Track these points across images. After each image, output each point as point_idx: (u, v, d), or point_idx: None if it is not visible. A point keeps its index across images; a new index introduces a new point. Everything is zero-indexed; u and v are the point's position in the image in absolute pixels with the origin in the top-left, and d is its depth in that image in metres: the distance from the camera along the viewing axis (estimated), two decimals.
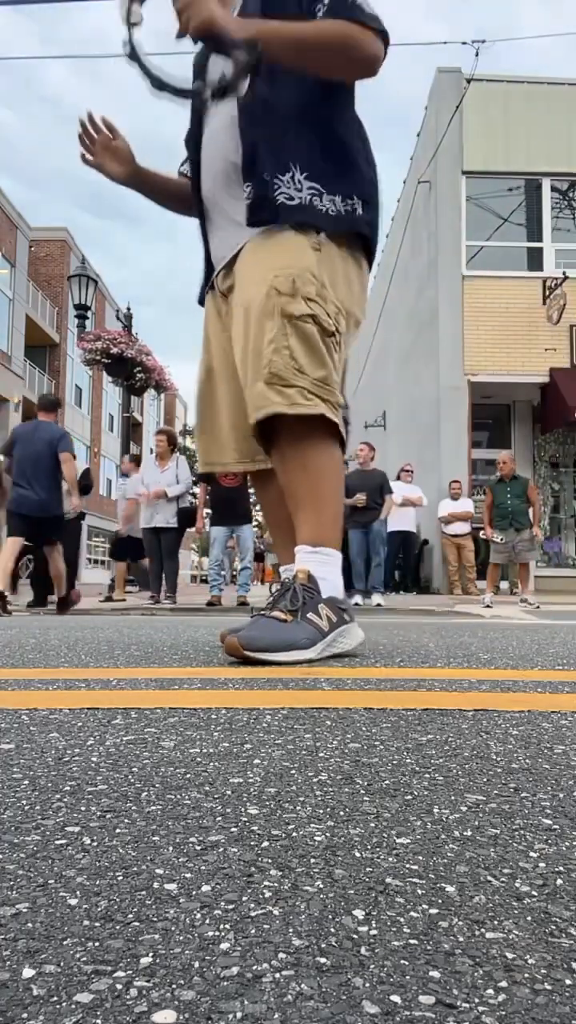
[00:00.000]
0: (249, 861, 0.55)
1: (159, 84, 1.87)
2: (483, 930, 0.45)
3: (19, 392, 24.72)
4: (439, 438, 11.32)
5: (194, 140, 2.20)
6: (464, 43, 10.17)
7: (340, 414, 1.97)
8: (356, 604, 7.46)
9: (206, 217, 2.21)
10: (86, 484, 7.68)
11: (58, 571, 6.06)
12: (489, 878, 0.52)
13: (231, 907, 0.47)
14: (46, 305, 29.07)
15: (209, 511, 7.88)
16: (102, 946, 0.42)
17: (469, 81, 10.87)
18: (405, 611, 6.57)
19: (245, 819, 0.64)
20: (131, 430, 10.77)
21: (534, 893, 0.50)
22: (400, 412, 14.99)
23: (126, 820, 0.64)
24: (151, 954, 0.41)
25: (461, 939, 0.43)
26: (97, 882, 0.51)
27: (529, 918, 0.46)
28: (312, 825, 0.63)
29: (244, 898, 0.48)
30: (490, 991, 0.38)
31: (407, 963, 0.40)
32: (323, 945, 0.42)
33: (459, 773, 0.80)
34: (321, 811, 0.66)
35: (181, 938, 0.43)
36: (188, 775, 0.78)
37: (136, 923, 0.45)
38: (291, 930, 0.44)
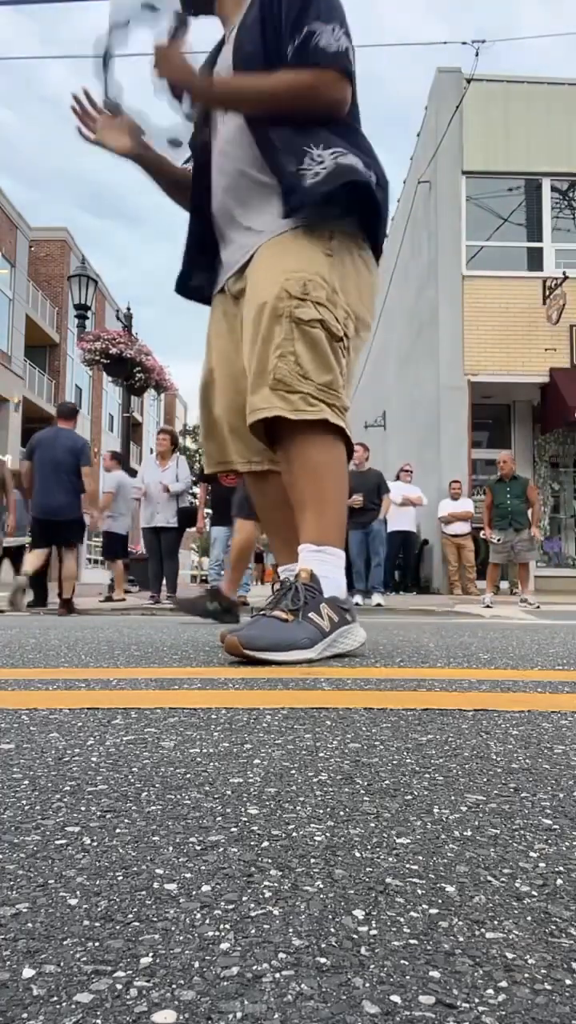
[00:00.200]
0: (249, 861, 0.55)
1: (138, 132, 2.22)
2: (483, 930, 0.45)
3: (19, 392, 24.71)
4: (439, 438, 11.32)
5: (201, 148, 2.25)
6: (464, 43, 10.17)
7: (346, 417, 1.99)
8: (356, 604, 7.46)
9: (215, 226, 2.24)
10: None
11: (70, 573, 6.17)
12: (489, 878, 0.52)
13: (231, 907, 0.47)
14: (46, 305, 29.06)
15: (210, 511, 7.88)
16: (102, 946, 0.42)
17: (469, 81, 10.87)
18: (405, 611, 6.57)
19: (245, 819, 0.64)
20: (131, 430, 10.76)
21: (534, 893, 0.50)
22: (400, 412, 14.99)
23: (126, 820, 0.64)
24: (151, 954, 0.41)
25: (461, 939, 0.43)
26: (97, 882, 0.51)
27: (529, 918, 0.46)
28: (312, 825, 0.63)
29: (244, 898, 0.48)
30: (490, 991, 0.38)
31: (407, 963, 0.40)
32: (323, 945, 0.42)
33: (459, 773, 0.80)
34: (321, 811, 0.66)
35: (181, 938, 0.43)
36: (188, 775, 0.78)
37: (136, 923, 0.45)
38: (291, 930, 0.44)
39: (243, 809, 0.67)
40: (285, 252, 1.98)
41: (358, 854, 0.56)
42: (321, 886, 0.50)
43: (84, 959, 0.41)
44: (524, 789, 0.74)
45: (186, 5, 2.17)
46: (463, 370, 11.32)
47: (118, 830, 0.61)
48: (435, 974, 0.39)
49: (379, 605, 7.30)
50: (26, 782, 0.75)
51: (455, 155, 11.51)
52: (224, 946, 0.42)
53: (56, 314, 29.78)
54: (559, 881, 0.52)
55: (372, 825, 0.63)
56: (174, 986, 0.38)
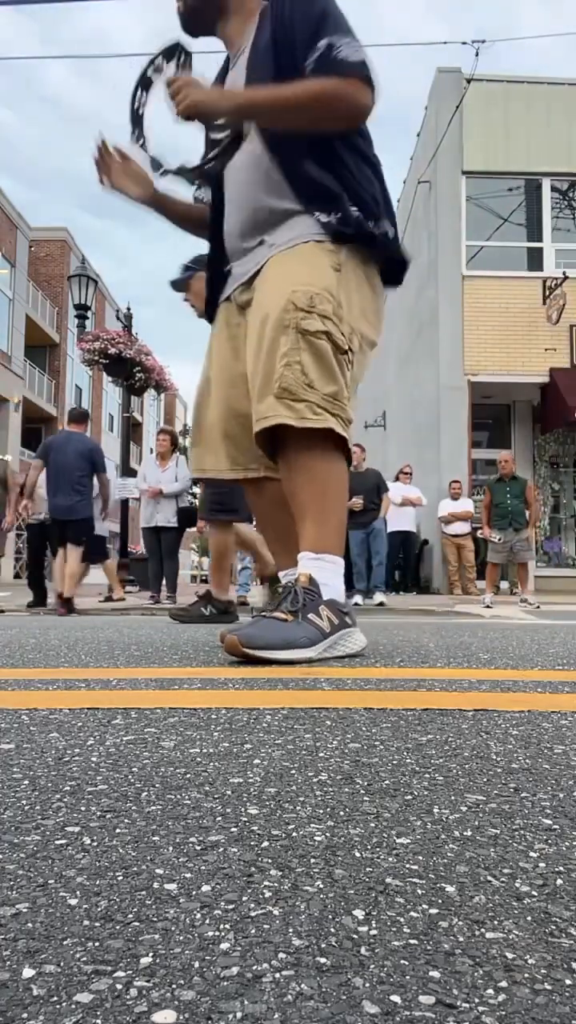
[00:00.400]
0: (249, 861, 0.55)
1: (158, 167, 2.21)
2: (483, 930, 0.45)
3: (19, 392, 24.71)
4: (439, 438, 11.33)
5: (214, 177, 2.28)
6: (464, 43, 10.17)
7: (350, 429, 2.01)
8: (356, 604, 7.46)
9: (226, 247, 2.26)
10: None
11: (73, 571, 6.31)
12: (489, 878, 0.52)
13: (231, 907, 0.47)
14: (46, 305, 29.06)
15: None
16: (102, 946, 0.42)
17: (469, 81, 10.87)
18: (405, 611, 6.57)
19: (245, 819, 0.64)
20: (131, 430, 10.76)
21: (534, 893, 0.50)
22: (400, 412, 14.99)
23: (126, 820, 0.64)
24: (151, 954, 0.41)
25: (461, 939, 0.43)
26: (97, 882, 0.51)
27: (529, 918, 0.46)
28: (312, 825, 0.63)
29: (244, 898, 0.48)
30: (490, 991, 0.38)
31: (407, 963, 0.40)
32: (323, 945, 0.42)
33: (459, 773, 0.80)
34: (321, 811, 0.66)
35: (181, 938, 0.43)
36: (188, 775, 0.78)
37: (136, 923, 0.45)
38: (291, 930, 0.44)
39: (243, 809, 0.67)
40: (294, 264, 2.00)
41: (358, 854, 0.56)
42: (321, 886, 0.50)
43: (84, 959, 0.41)
44: (524, 789, 0.74)
45: (187, 26, 2.19)
46: (463, 370, 11.32)
47: (118, 830, 0.61)
48: (435, 974, 0.39)
49: (382, 604, 7.28)
50: (26, 782, 0.76)
51: (455, 155, 11.50)
52: (224, 946, 0.42)
53: (56, 314, 29.78)
54: (559, 881, 0.52)
55: (372, 825, 0.63)
56: (174, 986, 0.38)
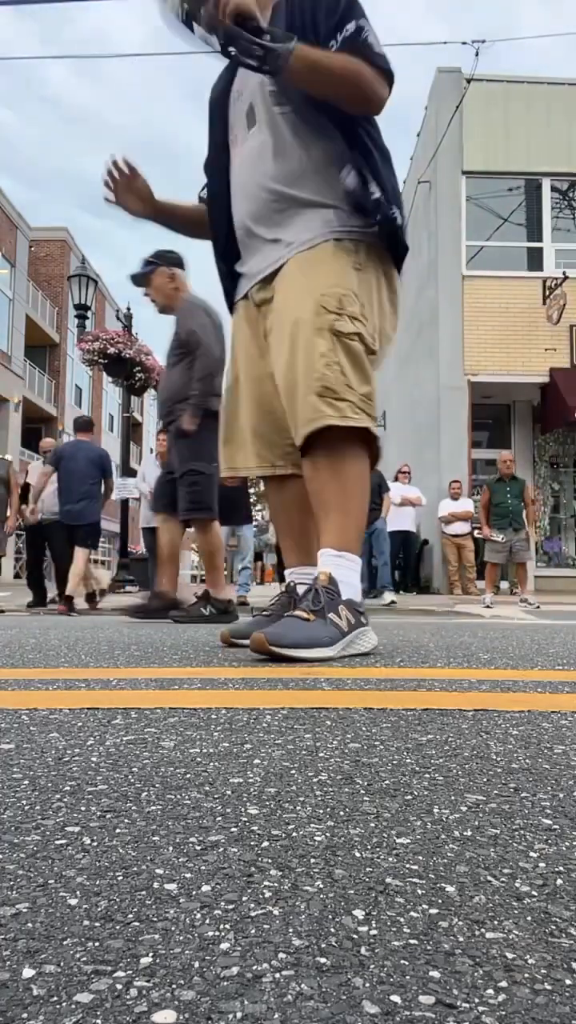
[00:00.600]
0: (249, 861, 0.55)
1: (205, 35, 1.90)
2: (483, 930, 0.45)
3: (19, 392, 24.72)
4: (439, 438, 11.32)
5: (218, 168, 2.28)
6: (464, 43, 10.17)
7: (375, 428, 2.05)
8: None
9: (237, 239, 2.27)
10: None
11: (77, 569, 6.51)
12: (489, 878, 0.52)
13: (231, 907, 0.47)
14: (46, 305, 29.07)
15: None
16: (102, 946, 0.42)
17: (469, 81, 10.86)
18: (405, 611, 6.57)
19: (245, 819, 0.64)
20: (131, 430, 10.76)
21: (534, 893, 0.50)
22: (400, 412, 14.99)
23: (126, 820, 0.64)
24: (151, 954, 0.41)
25: (461, 939, 0.43)
26: (97, 882, 0.51)
27: (529, 918, 0.46)
28: (312, 825, 0.63)
29: (244, 898, 0.48)
30: (490, 991, 0.38)
31: (407, 963, 0.40)
32: (323, 945, 0.42)
33: (459, 773, 0.80)
34: (321, 811, 0.66)
35: (181, 938, 0.43)
36: (188, 775, 0.78)
37: (136, 923, 0.45)
38: (291, 930, 0.44)
39: (243, 809, 0.67)
40: (318, 265, 2.02)
41: (358, 854, 0.56)
42: (321, 886, 0.50)
43: (84, 959, 0.41)
44: (524, 789, 0.74)
45: (195, 4, 2.13)
46: (463, 370, 11.32)
47: (118, 830, 0.61)
48: (435, 974, 0.39)
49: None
50: (26, 782, 0.76)
51: (455, 155, 11.50)
52: (224, 946, 0.42)
53: (56, 314, 29.78)
54: (559, 881, 0.52)
55: (372, 825, 0.63)
56: (174, 986, 0.38)
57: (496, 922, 0.46)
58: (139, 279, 4.19)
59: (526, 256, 11.80)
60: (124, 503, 9.34)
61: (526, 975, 0.40)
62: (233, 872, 0.53)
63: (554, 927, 0.45)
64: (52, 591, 7.75)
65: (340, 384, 1.93)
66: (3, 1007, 0.36)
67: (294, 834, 0.60)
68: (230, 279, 2.38)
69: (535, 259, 11.71)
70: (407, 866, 0.54)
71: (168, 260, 4.14)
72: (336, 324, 1.94)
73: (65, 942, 0.42)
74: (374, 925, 0.45)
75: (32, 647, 2.23)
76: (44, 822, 0.63)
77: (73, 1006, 0.36)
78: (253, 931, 0.44)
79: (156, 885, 0.50)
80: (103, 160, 2.38)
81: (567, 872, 0.54)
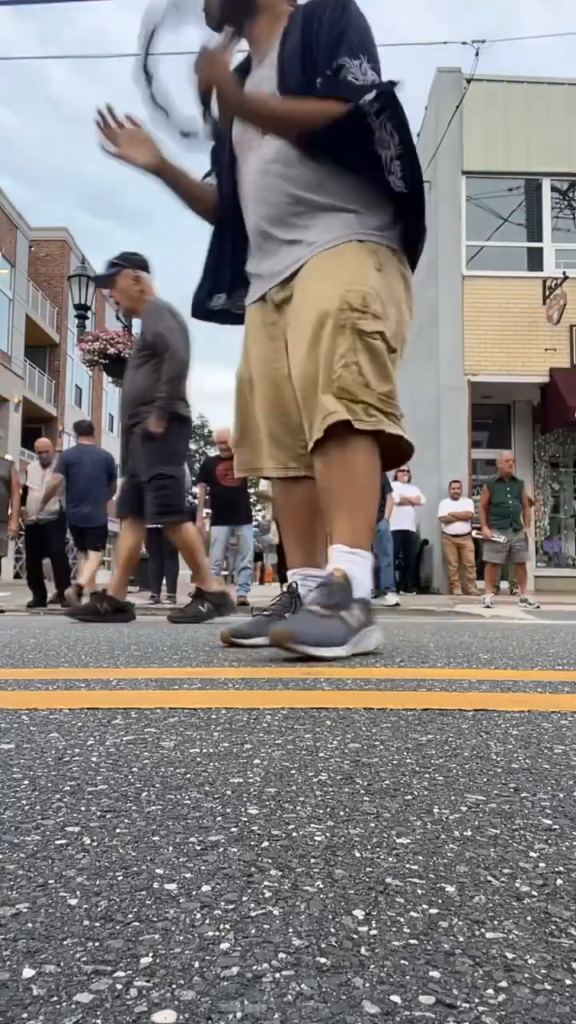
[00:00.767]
0: (249, 861, 0.55)
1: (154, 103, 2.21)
2: (483, 930, 0.45)
3: (19, 392, 24.71)
4: (439, 438, 11.32)
5: (227, 168, 2.31)
6: (464, 43, 10.16)
7: (403, 422, 2.07)
8: None
9: (250, 241, 2.29)
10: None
11: (92, 565, 6.86)
12: (489, 878, 0.52)
13: (231, 907, 0.47)
14: (46, 305, 29.06)
15: (209, 511, 7.88)
16: (102, 946, 0.42)
17: (469, 81, 10.86)
18: (405, 611, 6.57)
19: (245, 819, 0.64)
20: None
21: (534, 893, 0.50)
22: None
23: (126, 820, 0.64)
24: (151, 954, 0.41)
25: (461, 939, 0.43)
26: (97, 882, 0.51)
27: (529, 918, 0.46)
28: (312, 825, 0.63)
29: (244, 898, 0.48)
30: (490, 991, 0.38)
31: (407, 963, 0.40)
32: (323, 945, 0.42)
33: (459, 773, 0.80)
34: (321, 811, 0.66)
35: (181, 938, 0.43)
36: (188, 775, 0.78)
37: (136, 923, 0.45)
38: (291, 930, 0.44)
39: (243, 809, 0.67)
40: (341, 264, 2.04)
41: (358, 854, 0.56)
42: (321, 886, 0.50)
43: (84, 959, 0.41)
44: (524, 789, 0.74)
45: (213, 23, 2.20)
46: (463, 370, 11.32)
47: (118, 830, 0.61)
48: (435, 974, 0.39)
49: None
50: (26, 782, 0.76)
51: (455, 155, 11.50)
52: (224, 946, 0.42)
53: (56, 314, 29.78)
54: (559, 881, 0.52)
55: (372, 825, 0.63)
56: (174, 986, 0.38)
57: (496, 922, 0.46)
58: (103, 281, 4.16)
59: (526, 256, 11.79)
60: None
61: (526, 975, 0.40)
62: (233, 872, 0.53)
63: (554, 927, 0.45)
64: (52, 591, 7.75)
65: (357, 385, 1.94)
66: (3, 1007, 0.36)
67: (294, 834, 0.60)
68: (213, 288, 2.41)
69: (535, 259, 11.71)
70: (407, 866, 0.54)
71: (133, 262, 4.11)
72: (359, 322, 1.95)
73: (65, 942, 0.42)
74: (374, 925, 0.45)
75: (32, 647, 2.23)
76: (44, 822, 0.63)
77: (73, 1006, 0.36)
78: (253, 931, 0.44)
79: (156, 885, 0.50)
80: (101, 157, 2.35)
81: (567, 872, 0.54)
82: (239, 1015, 0.35)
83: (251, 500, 7.85)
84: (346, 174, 2.07)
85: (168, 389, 3.88)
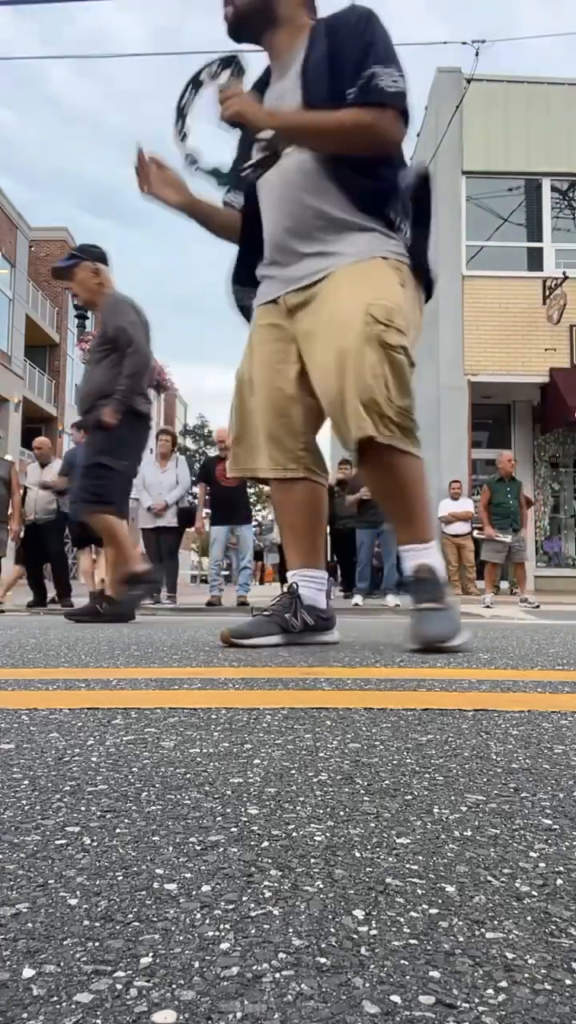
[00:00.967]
0: (249, 861, 0.55)
1: (192, 162, 2.30)
2: (483, 930, 0.45)
3: (19, 392, 24.70)
4: (439, 438, 11.32)
5: (248, 184, 2.35)
6: (464, 43, 10.18)
7: (416, 437, 2.12)
8: (356, 604, 7.45)
9: (267, 246, 2.32)
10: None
11: (111, 560, 6.81)
12: (489, 878, 0.52)
13: (231, 907, 0.47)
14: (46, 305, 29.04)
15: (209, 511, 7.89)
16: (102, 946, 0.42)
17: (469, 81, 10.87)
18: (405, 611, 6.56)
19: (245, 819, 0.64)
20: None
21: (534, 893, 0.50)
22: None
23: (126, 820, 0.64)
24: (151, 954, 0.41)
25: (461, 939, 0.43)
26: (97, 882, 0.51)
27: (529, 918, 0.46)
28: (312, 825, 0.63)
29: (244, 898, 0.48)
30: (490, 991, 0.38)
31: (407, 963, 0.40)
32: (323, 945, 0.42)
33: (459, 773, 0.80)
34: (321, 811, 0.66)
35: (181, 938, 0.43)
36: (188, 775, 0.78)
37: (136, 923, 0.45)
38: (291, 930, 0.44)
39: (243, 809, 0.67)
40: (367, 276, 2.09)
41: (358, 854, 0.56)
42: (321, 886, 0.50)
43: (84, 959, 0.41)
44: (524, 789, 0.74)
45: (234, 32, 2.24)
46: (463, 370, 11.32)
47: (118, 830, 0.61)
48: (435, 974, 0.39)
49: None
50: (26, 782, 0.76)
51: (455, 155, 11.51)
52: (224, 946, 0.42)
53: (56, 314, 29.76)
54: (559, 881, 0.52)
55: (372, 825, 0.63)
56: (174, 986, 0.38)
57: (496, 922, 0.46)
58: (61, 272, 4.09)
59: (526, 256, 11.80)
60: None
61: (526, 975, 0.40)
62: (233, 872, 0.53)
63: (554, 927, 0.45)
64: (52, 591, 7.76)
65: (383, 398, 1.98)
66: (3, 1007, 0.36)
67: (294, 834, 0.60)
68: (246, 286, 2.44)
69: (535, 259, 11.71)
70: (407, 866, 0.54)
71: (92, 255, 4.06)
72: (384, 335, 1.99)
73: (65, 942, 0.42)
74: (374, 925, 0.45)
75: (32, 647, 2.23)
76: (44, 822, 0.63)
77: (73, 1006, 0.36)
78: (253, 931, 0.44)
79: (156, 885, 0.50)
80: (134, 155, 2.41)
81: (567, 872, 0.54)
82: (239, 1015, 0.35)
83: (251, 500, 7.85)
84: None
85: (128, 383, 3.81)
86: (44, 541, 7.53)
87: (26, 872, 0.53)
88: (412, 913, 0.47)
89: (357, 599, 7.82)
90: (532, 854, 0.57)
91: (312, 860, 0.55)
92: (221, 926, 0.44)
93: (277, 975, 0.39)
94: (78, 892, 0.49)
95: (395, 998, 0.37)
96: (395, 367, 2.00)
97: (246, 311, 2.52)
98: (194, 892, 0.49)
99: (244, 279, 2.46)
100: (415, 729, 1.02)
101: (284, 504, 2.43)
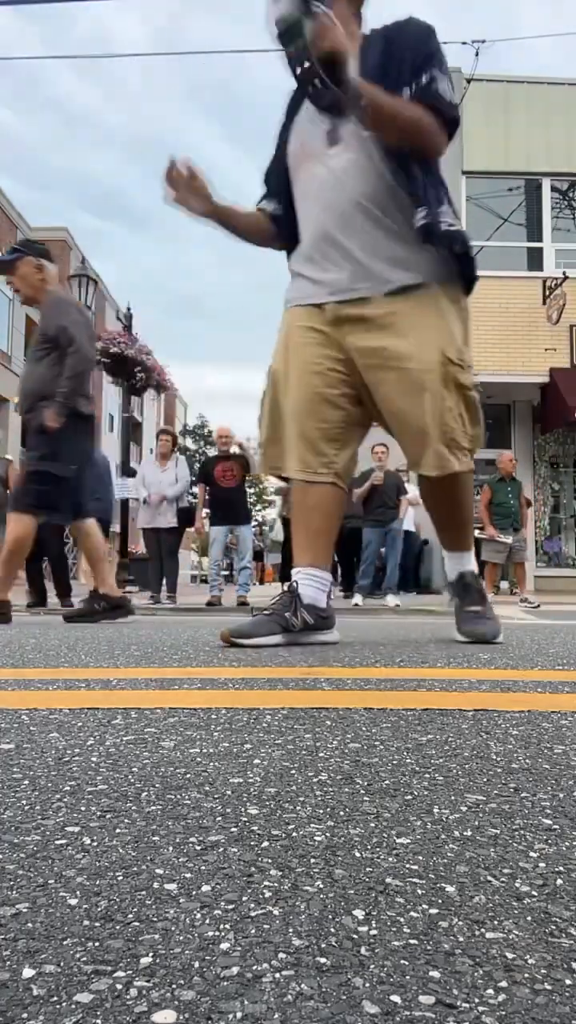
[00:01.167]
0: (249, 861, 0.55)
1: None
2: (483, 930, 0.45)
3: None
4: None
5: (283, 177, 2.41)
6: (464, 43, 10.17)
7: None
8: (356, 604, 7.45)
9: (311, 244, 2.35)
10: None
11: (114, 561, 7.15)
12: (489, 878, 0.52)
13: (231, 907, 0.47)
14: None
15: (208, 511, 7.88)
16: (102, 946, 0.42)
17: (469, 81, 10.86)
18: (405, 611, 6.57)
19: (245, 819, 0.64)
20: (131, 430, 10.76)
21: (534, 893, 0.50)
22: None
23: (126, 820, 0.64)
24: (151, 954, 0.41)
25: (461, 939, 0.43)
26: (97, 882, 0.51)
27: (529, 918, 0.46)
28: (312, 825, 0.63)
29: (244, 898, 0.48)
30: (490, 991, 0.38)
31: (407, 963, 0.40)
32: (323, 945, 0.42)
33: (459, 773, 0.80)
34: (321, 811, 0.66)
35: (181, 938, 0.43)
36: (188, 775, 0.78)
37: (136, 923, 0.45)
38: (291, 930, 0.44)
39: (243, 809, 0.67)
40: (440, 314, 2.21)
41: (358, 854, 0.56)
42: (321, 886, 0.50)
43: (84, 959, 0.41)
44: (524, 789, 0.74)
45: (280, 39, 2.16)
46: None
47: (118, 830, 0.61)
48: (435, 974, 0.39)
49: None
50: (26, 782, 0.75)
51: (455, 155, 11.49)
52: (224, 946, 0.42)
53: None
54: (559, 881, 0.52)
55: (372, 825, 0.63)
56: (174, 986, 0.38)
57: (496, 922, 0.46)
58: (3, 266, 4.04)
59: (526, 256, 11.79)
60: (124, 503, 9.34)
61: (526, 975, 0.40)
62: (233, 872, 0.53)
63: (554, 927, 0.45)
64: (52, 591, 7.75)
65: (462, 435, 2.21)
66: (3, 1007, 0.36)
67: (294, 834, 0.60)
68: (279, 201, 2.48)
69: (535, 259, 11.71)
70: (407, 866, 0.54)
71: (35, 251, 3.99)
72: (459, 376, 2.18)
73: (65, 942, 0.42)
74: (374, 925, 0.45)
75: (32, 647, 2.23)
76: (44, 822, 0.63)
77: (73, 1006, 0.36)
78: (253, 931, 0.44)
79: (156, 885, 0.50)
80: (164, 165, 2.38)
81: (567, 872, 0.54)
82: (239, 1015, 0.35)
83: (250, 500, 7.85)
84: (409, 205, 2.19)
85: (70, 384, 3.75)
86: (44, 541, 7.52)
87: (26, 872, 0.53)
88: (412, 913, 0.47)
89: (357, 599, 7.81)
90: (532, 854, 0.57)
91: (312, 860, 0.55)
92: (221, 926, 0.44)
93: (277, 975, 0.39)
94: (78, 892, 0.49)
95: (395, 998, 0.37)
96: (467, 404, 2.22)
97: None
98: (194, 892, 0.49)
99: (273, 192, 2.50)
100: (415, 729, 1.02)
101: (303, 504, 2.45)
